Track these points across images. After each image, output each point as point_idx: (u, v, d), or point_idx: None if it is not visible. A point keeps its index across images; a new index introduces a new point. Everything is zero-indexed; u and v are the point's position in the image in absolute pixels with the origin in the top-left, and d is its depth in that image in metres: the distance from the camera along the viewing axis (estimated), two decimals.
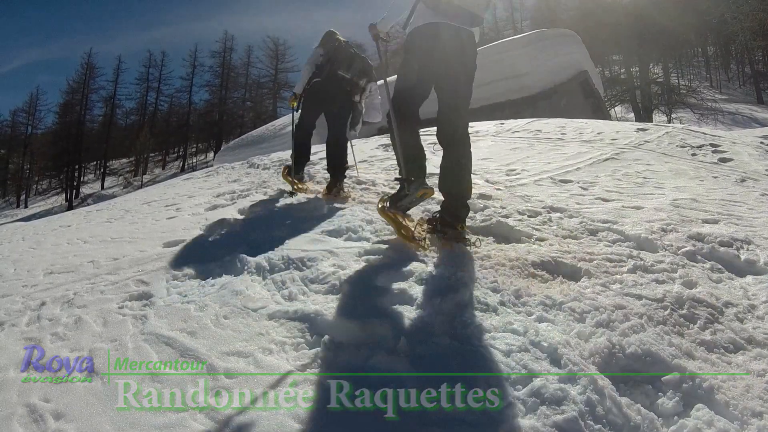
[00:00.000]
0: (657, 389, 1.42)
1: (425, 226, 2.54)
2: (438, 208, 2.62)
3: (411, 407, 1.27)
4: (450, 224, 2.40)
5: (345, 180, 4.14)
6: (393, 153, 5.03)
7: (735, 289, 2.07)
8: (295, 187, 4.23)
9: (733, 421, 1.33)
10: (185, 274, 2.36)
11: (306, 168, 5.22)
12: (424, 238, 2.41)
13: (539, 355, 1.52)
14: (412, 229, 2.45)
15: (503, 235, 2.71)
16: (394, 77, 2.76)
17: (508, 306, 1.85)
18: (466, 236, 2.42)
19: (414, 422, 1.23)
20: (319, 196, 3.95)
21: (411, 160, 2.47)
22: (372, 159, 6.16)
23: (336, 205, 3.51)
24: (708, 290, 2.00)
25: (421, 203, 2.77)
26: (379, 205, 2.47)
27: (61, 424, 1.30)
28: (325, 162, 4.34)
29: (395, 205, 2.43)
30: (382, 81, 3.18)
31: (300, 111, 4.22)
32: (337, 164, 4.05)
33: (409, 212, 2.60)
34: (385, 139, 7.96)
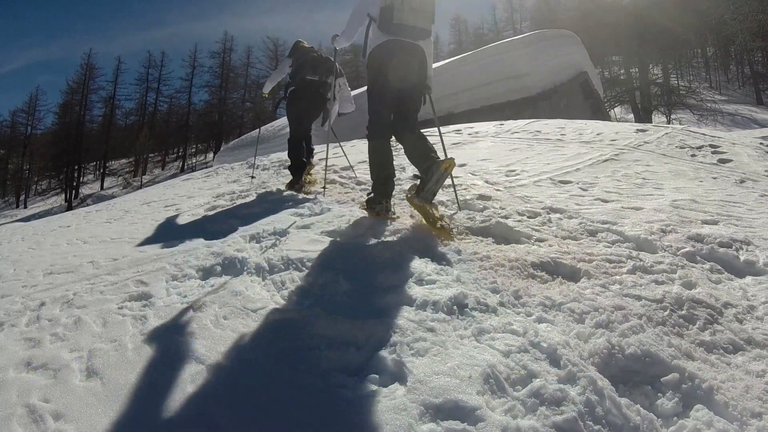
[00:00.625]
0: (656, 390, 1.42)
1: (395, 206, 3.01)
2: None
3: (411, 405, 1.27)
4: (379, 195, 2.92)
5: (345, 180, 4.40)
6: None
7: (734, 289, 2.07)
8: (303, 192, 4.44)
9: (732, 421, 1.33)
10: (185, 275, 2.36)
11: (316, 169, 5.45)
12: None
13: (538, 355, 1.52)
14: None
15: (503, 235, 2.71)
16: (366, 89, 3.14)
17: (507, 307, 1.85)
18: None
19: (414, 421, 1.23)
20: (320, 197, 3.96)
21: (381, 182, 2.98)
22: None
23: (336, 206, 3.51)
24: (707, 291, 2.01)
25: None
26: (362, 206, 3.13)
27: (60, 425, 1.30)
28: (324, 163, 4.69)
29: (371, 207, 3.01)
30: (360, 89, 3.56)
31: (288, 122, 4.81)
32: (300, 159, 4.62)
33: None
34: None
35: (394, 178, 3.04)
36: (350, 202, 3.66)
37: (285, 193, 4.36)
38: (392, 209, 2.99)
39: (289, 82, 4.72)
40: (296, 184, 4.55)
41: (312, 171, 4.65)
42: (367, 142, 3.03)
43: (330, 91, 4.55)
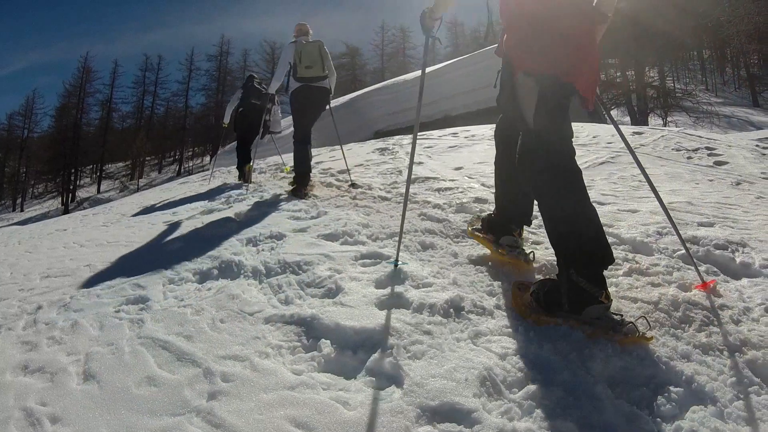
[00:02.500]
0: (653, 391, 1.42)
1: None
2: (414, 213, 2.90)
3: (407, 408, 1.28)
4: (301, 183, 4.50)
5: (341, 183, 4.75)
6: (388, 157, 6.61)
7: (730, 291, 2.07)
8: (245, 182, 6.14)
9: (728, 422, 1.34)
10: (182, 278, 2.36)
11: (313, 173, 6.00)
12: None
13: (535, 358, 1.53)
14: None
15: None
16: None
17: (504, 309, 1.86)
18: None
19: (411, 424, 1.23)
20: (323, 201, 3.96)
21: (303, 173, 4.57)
22: (368, 163, 6.17)
23: (333, 209, 3.52)
24: (703, 293, 2.01)
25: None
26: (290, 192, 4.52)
27: (57, 428, 1.30)
28: (333, 169, 5.83)
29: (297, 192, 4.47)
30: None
31: (235, 134, 7.05)
32: (245, 162, 6.58)
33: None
34: (381, 143, 7.97)
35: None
36: (347, 205, 3.66)
37: (281, 197, 4.37)
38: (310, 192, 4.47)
39: (239, 104, 6.78)
40: (242, 178, 6.46)
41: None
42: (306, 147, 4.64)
43: (267, 113, 6.26)
